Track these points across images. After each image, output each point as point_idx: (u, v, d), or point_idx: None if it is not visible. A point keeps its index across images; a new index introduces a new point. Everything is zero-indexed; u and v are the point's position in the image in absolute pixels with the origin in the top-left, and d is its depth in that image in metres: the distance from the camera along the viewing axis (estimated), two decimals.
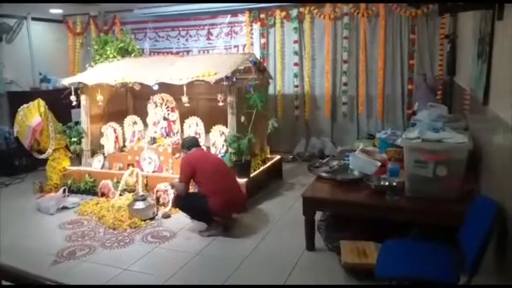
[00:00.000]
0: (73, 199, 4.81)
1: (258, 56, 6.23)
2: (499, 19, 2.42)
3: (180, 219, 4.20)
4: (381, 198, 3.08)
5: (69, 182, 5.12)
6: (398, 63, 6.03)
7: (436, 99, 5.21)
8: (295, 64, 6.57)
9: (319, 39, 6.42)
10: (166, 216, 4.31)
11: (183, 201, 3.91)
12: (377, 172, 3.42)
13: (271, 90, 6.35)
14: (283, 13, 6.46)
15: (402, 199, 3.03)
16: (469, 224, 2.29)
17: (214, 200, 3.67)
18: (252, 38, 6.73)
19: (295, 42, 6.51)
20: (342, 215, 3.44)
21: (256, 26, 6.69)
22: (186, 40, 7.14)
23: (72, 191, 5.05)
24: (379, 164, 3.48)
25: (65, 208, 4.62)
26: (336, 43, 6.33)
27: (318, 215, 3.48)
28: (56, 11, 7.08)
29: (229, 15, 6.79)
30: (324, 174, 3.66)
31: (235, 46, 6.85)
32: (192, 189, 4.04)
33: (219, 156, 4.67)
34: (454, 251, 2.29)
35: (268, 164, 5.28)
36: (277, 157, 5.55)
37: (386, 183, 3.23)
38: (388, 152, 3.72)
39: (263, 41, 6.71)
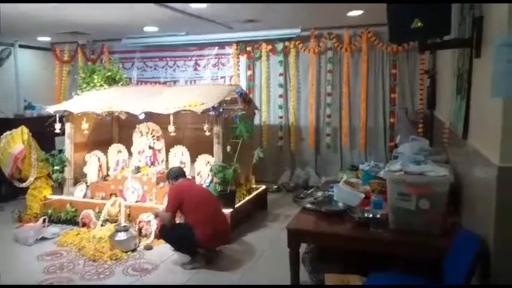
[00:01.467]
0: (53, 229, 4.69)
1: (244, 87, 6.34)
2: (477, 57, 2.53)
3: (163, 251, 4.13)
4: (365, 231, 3.08)
5: (49, 211, 5.01)
6: (380, 96, 6.20)
7: (417, 132, 5.34)
8: (280, 96, 6.69)
9: (304, 72, 6.58)
10: (149, 248, 4.23)
11: (168, 232, 3.85)
12: (361, 204, 3.44)
13: (256, 121, 6.43)
14: (269, 46, 6.63)
15: (386, 231, 3.04)
16: (451, 258, 2.31)
17: (201, 231, 3.63)
18: (238, 69, 6.85)
19: (281, 75, 6.66)
20: (327, 247, 3.43)
21: (243, 58, 6.83)
22: (174, 70, 7.23)
23: (53, 220, 4.94)
24: (363, 195, 3.50)
25: (44, 239, 4.50)
26: (320, 76, 6.49)
27: (303, 247, 3.47)
28: (43, 38, 7.12)
29: (216, 47, 6.92)
30: (308, 206, 3.65)
31: (222, 77, 6.95)
32: (178, 219, 3.99)
33: (204, 186, 4.65)
34: (437, 285, 2.29)
35: (253, 194, 5.28)
36: (262, 187, 5.56)
37: (370, 216, 3.24)
38: (372, 184, 3.75)
39: (249, 72, 6.83)
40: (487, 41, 2.35)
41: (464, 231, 2.50)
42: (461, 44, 2.98)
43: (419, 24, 2.54)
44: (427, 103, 5.27)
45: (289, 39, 6.48)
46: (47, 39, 7.19)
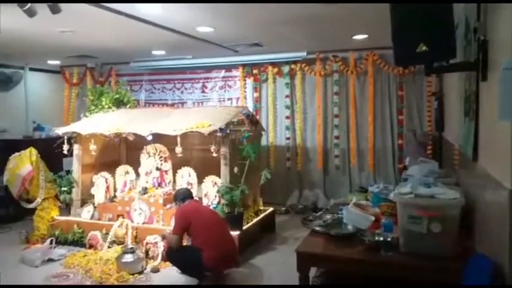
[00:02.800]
0: (60, 251, 4.67)
1: (251, 108, 6.38)
2: (483, 80, 2.54)
3: (170, 273, 4.09)
4: (375, 254, 3.04)
5: (56, 232, 5.00)
6: (388, 118, 6.21)
7: (426, 154, 5.31)
8: (287, 117, 6.72)
9: (310, 94, 6.62)
10: (156, 270, 4.19)
11: (175, 254, 3.82)
12: (371, 227, 3.40)
13: (263, 142, 6.44)
14: (275, 69, 6.70)
15: (397, 255, 3.00)
16: (466, 281, 2.27)
17: (208, 254, 3.60)
18: (245, 91, 6.91)
19: (287, 96, 6.70)
20: (337, 270, 3.37)
21: (250, 81, 6.90)
22: (181, 92, 7.31)
23: (60, 242, 4.92)
24: (373, 218, 3.46)
25: (50, 260, 4.48)
26: (326, 98, 6.53)
27: (313, 271, 3.42)
28: (53, 62, 7.25)
29: (223, 70, 7.01)
30: (317, 229, 3.61)
31: (229, 99, 7.02)
32: (185, 242, 3.97)
33: (212, 207, 4.63)
34: None
35: (261, 216, 5.24)
36: (270, 209, 5.52)
37: (381, 239, 3.20)
38: (381, 207, 3.72)
39: (256, 94, 6.89)
40: (493, 64, 2.36)
41: (478, 255, 2.46)
42: (467, 68, 2.99)
43: (424, 48, 2.56)
44: (436, 125, 5.27)
45: (295, 62, 6.56)
46: (57, 62, 7.33)
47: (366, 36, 5.26)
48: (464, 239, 3.04)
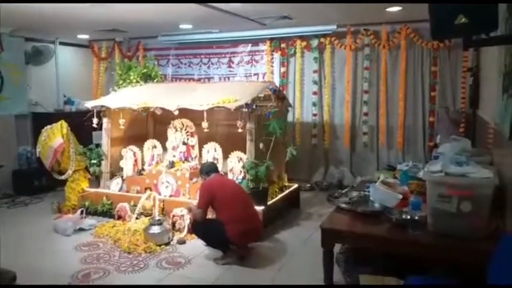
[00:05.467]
0: (90, 221, 4.82)
1: (277, 84, 6.28)
2: None
3: (195, 245, 4.16)
4: (402, 233, 2.98)
5: (86, 203, 5.15)
6: (420, 94, 6.00)
7: (458, 132, 5.13)
8: (314, 93, 6.60)
9: (340, 69, 6.45)
10: (182, 242, 4.27)
11: (200, 227, 3.88)
12: (398, 205, 3.34)
13: (289, 118, 6.37)
14: (304, 43, 6.54)
15: (424, 234, 2.93)
16: (497, 263, 2.19)
17: (232, 228, 3.63)
18: (272, 66, 6.81)
19: (315, 71, 6.56)
20: (362, 248, 3.35)
21: (277, 55, 6.78)
22: (208, 67, 7.27)
23: (89, 212, 5.08)
24: (400, 196, 3.39)
25: (81, 230, 4.63)
26: (356, 73, 6.35)
27: (337, 247, 3.40)
28: (83, 36, 7.33)
29: (250, 44, 6.90)
30: (343, 205, 3.58)
31: (255, 74, 6.94)
32: (210, 215, 4.01)
33: (237, 182, 4.65)
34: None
35: (286, 192, 5.23)
36: (295, 185, 5.50)
37: (408, 217, 3.13)
38: (410, 185, 3.64)
39: (283, 69, 6.78)
40: None
41: (509, 236, 2.37)
42: (509, 41, 2.82)
43: (463, 19, 2.41)
44: (470, 102, 5.06)
45: (325, 36, 6.38)
46: (86, 36, 7.40)
47: (400, 8, 5.03)
48: (496, 221, 2.94)
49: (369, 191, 3.62)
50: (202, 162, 4.84)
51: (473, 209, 2.76)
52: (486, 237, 2.72)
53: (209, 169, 4.14)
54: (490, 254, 2.30)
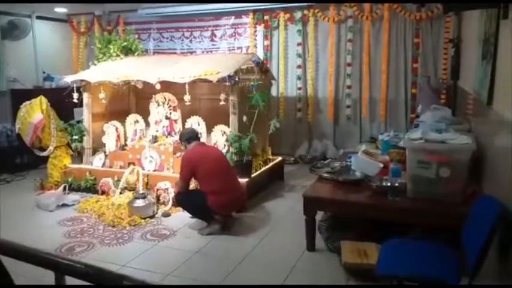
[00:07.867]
0: (73, 196, 4.79)
1: (261, 57, 6.22)
2: (504, 18, 2.40)
3: (180, 217, 4.18)
4: (382, 199, 3.05)
5: (69, 179, 5.10)
6: (402, 66, 6.01)
7: (439, 102, 5.18)
8: (298, 66, 6.57)
9: (323, 42, 6.41)
10: (166, 214, 4.28)
11: (184, 198, 3.89)
12: (379, 173, 3.40)
13: (273, 92, 6.34)
14: (287, 15, 6.47)
15: (404, 200, 3.00)
16: (471, 225, 2.26)
17: (215, 198, 3.65)
18: (255, 39, 6.73)
19: (299, 44, 6.51)
20: (343, 215, 3.41)
21: (260, 28, 6.69)
22: (190, 41, 7.15)
23: (73, 188, 5.04)
24: (381, 165, 3.45)
25: (64, 205, 4.60)
26: (339, 46, 6.32)
27: (319, 216, 3.46)
28: (60, 10, 7.11)
29: (233, 17, 6.79)
30: (325, 175, 3.63)
31: (238, 47, 6.85)
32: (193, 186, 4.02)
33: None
34: (456, 252, 2.25)
35: (270, 165, 5.26)
36: (279, 159, 5.53)
37: (388, 184, 3.20)
38: (391, 154, 3.69)
39: (266, 43, 6.71)
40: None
41: (485, 198, 2.43)
42: (488, 5, 2.83)
43: None
44: (451, 73, 5.10)
45: (308, 8, 6.31)
46: (64, 10, 7.18)
47: None
48: (473, 185, 3.01)
49: (350, 161, 3.67)
50: (183, 129, 4.78)
51: (452, 175, 2.82)
52: (463, 201, 2.80)
53: (189, 135, 4.06)
54: (467, 216, 2.37)
